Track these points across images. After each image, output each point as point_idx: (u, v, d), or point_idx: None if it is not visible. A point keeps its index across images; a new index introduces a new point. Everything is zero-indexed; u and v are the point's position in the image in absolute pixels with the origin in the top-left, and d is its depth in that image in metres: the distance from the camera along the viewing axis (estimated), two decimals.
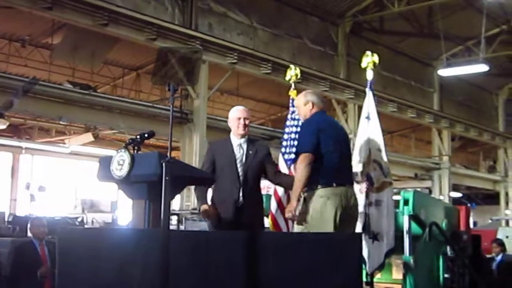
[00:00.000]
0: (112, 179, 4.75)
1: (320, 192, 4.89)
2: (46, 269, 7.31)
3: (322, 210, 4.85)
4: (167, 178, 3.90)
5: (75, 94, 12.45)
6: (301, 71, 7.00)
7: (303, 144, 4.98)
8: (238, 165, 5.35)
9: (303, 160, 4.84)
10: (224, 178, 5.34)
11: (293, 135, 6.45)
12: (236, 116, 5.51)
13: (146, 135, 4.98)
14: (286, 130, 6.58)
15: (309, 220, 4.85)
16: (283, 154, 6.47)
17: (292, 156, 6.30)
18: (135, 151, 4.80)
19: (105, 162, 4.83)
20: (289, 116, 6.61)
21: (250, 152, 5.40)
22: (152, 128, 5.56)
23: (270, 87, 16.28)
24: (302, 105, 5.25)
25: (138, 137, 4.92)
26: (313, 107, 5.20)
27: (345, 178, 5.03)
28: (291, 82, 6.77)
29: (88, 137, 16.70)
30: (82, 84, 13.87)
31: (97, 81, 16.63)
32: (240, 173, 5.32)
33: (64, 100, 12.24)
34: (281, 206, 6.20)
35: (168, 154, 4.12)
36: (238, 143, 5.45)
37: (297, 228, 4.93)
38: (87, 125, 16.05)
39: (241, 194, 5.25)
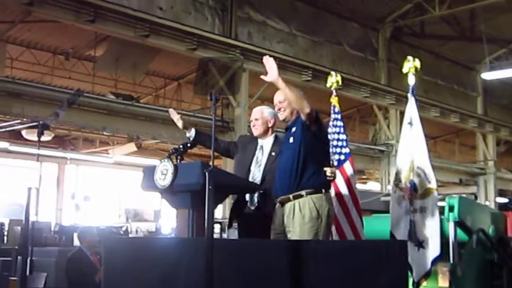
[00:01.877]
0: (155, 188, 4.80)
1: (329, 196, 4.90)
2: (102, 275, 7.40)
3: (330, 214, 4.87)
4: (210, 187, 3.91)
5: (118, 105, 12.62)
6: (342, 78, 6.95)
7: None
8: (253, 166, 5.22)
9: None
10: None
11: (335, 142, 6.41)
12: (250, 118, 5.48)
13: (188, 144, 5.03)
14: (328, 137, 6.53)
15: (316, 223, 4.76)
16: None
17: (335, 163, 6.28)
18: (178, 160, 4.85)
19: (149, 172, 4.88)
20: (330, 123, 6.57)
21: (273, 153, 5.22)
22: None
23: (311, 94, 16.10)
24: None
25: (181, 146, 4.96)
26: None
27: None
28: (332, 88, 6.74)
29: (131, 147, 16.91)
30: (124, 95, 14.07)
31: (139, 92, 16.85)
32: (251, 175, 5.19)
33: (107, 111, 12.41)
34: (343, 207, 6.14)
35: (211, 163, 4.14)
36: (260, 144, 5.34)
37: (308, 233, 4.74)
38: (130, 135, 16.26)
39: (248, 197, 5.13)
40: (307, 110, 4.70)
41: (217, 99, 4.43)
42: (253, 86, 13.87)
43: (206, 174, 3.95)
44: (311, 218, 4.70)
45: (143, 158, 17.87)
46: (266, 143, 5.32)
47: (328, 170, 4.83)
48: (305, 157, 4.78)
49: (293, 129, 4.92)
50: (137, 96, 15.45)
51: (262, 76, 4.72)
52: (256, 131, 5.35)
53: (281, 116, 5.06)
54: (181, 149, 4.95)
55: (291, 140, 4.89)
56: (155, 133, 13.64)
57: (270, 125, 5.34)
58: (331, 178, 4.89)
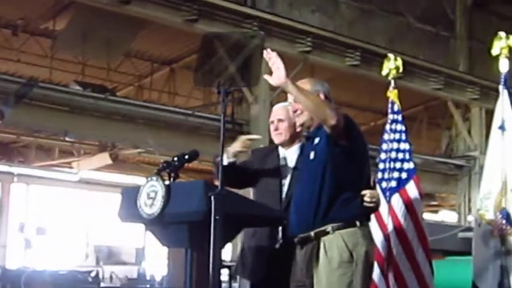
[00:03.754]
0: (139, 218, 4.81)
1: (367, 231, 4.84)
2: None
3: (370, 254, 4.79)
4: (217, 217, 3.92)
5: (85, 99, 12.68)
6: (404, 62, 6.94)
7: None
8: (284, 187, 5.20)
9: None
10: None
11: (393, 154, 6.41)
12: (270, 119, 5.42)
13: (186, 156, 5.02)
14: (384, 147, 6.54)
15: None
16: (380, 181, 6.42)
17: (393, 184, 6.27)
18: (172, 179, 4.85)
19: (130, 195, 4.90)
20: (387, 127, 6.57)
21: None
22: (193, 146, 5.61)
23: (359, 85, 16.28)
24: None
25: (175, 159, 4.96)
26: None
27: None
28: (389, 78, 6.74)
29: (104, 158, 16.99)
30: (95, 85, 14.15)
31: (116, 81, 16.95)
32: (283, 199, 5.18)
33: (70, 107, 12.48)
34: (405, 246, 6.15)
35: (219, 183, 4.14)
36: (282, 155, 5.31)
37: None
38: (102, 143, 16.34)
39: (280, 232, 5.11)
40: (332, 121, 4.62)
41: (228, 93, 4.44)
42: None
43: (212, 198, 3.96)
44: (341, 262, 4.66)
45: (120, 175, 17.99)
46: (290, 155, 5.29)
47: (367, 194, 4.76)
48: (332, 180, 4.71)
49: (316, 141, 4.84)
50: (113, 87, 15.54)
51: (266, 77, 4.72)
52: (279, 137, 5.32)
53: (298, 120, 4.99)
54: (176, 163, 4.95)
55: (311, 155, 4.81)
56: (138, 139, 13.71)
57: (298, 129, 5.29)
58: (372, 205, 4.82)
